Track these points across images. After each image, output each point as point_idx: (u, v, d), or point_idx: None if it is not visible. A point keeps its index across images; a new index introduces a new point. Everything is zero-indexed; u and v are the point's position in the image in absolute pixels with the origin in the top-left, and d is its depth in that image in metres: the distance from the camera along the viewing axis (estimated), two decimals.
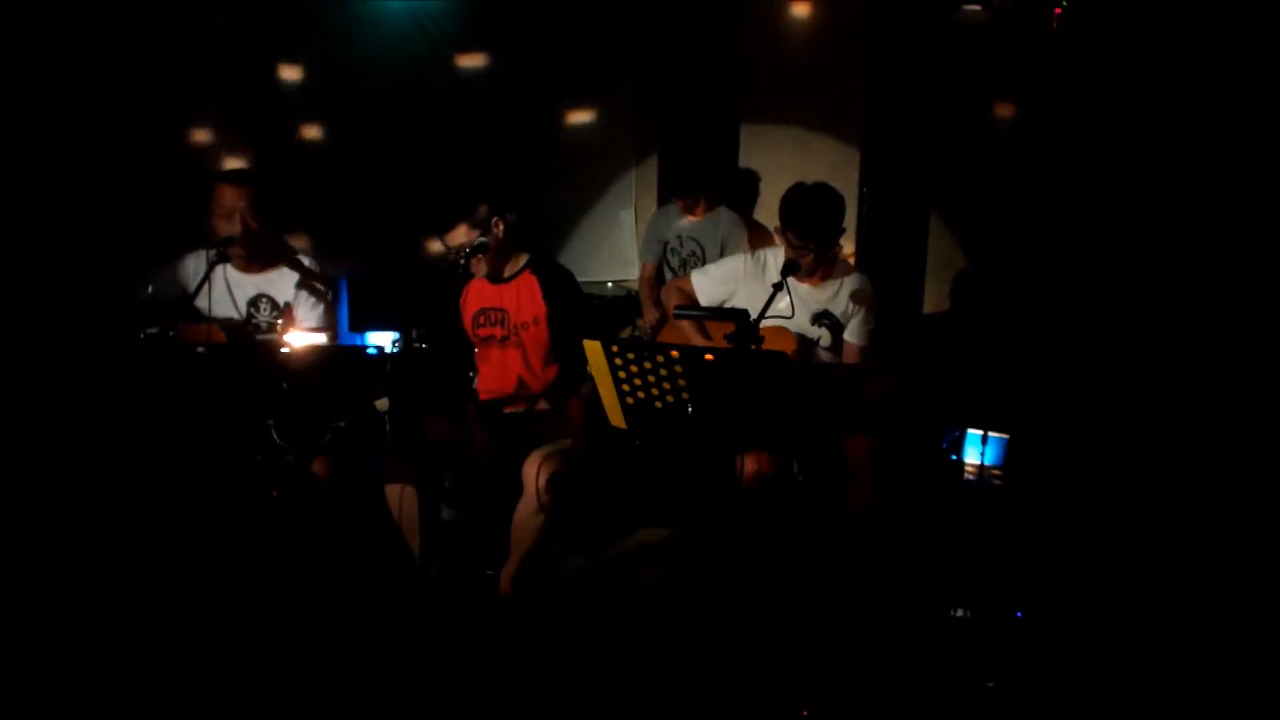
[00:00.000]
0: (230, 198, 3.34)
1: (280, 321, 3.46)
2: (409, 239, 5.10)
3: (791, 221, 3.32)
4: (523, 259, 3.47)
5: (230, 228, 3.34)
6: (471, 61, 5.32)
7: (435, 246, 3.36)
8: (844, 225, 3.41)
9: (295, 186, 4.42)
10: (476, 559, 3.49)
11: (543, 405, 3.45)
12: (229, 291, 3.44)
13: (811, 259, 3.34)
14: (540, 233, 5.56)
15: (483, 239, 3.29)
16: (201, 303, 3.27)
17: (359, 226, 5.00)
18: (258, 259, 3.45)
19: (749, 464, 3.18)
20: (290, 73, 4.88)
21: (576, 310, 3.44)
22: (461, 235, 3.30)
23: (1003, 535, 3.42)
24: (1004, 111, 4.47)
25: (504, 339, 3.46)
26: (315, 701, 2.76)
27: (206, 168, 4.60)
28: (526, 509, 3.18)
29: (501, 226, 3.35)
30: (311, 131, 4.99)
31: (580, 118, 5.65)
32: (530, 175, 5.52)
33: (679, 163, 5.26)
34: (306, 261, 3.49)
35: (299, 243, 3.92)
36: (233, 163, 4.55)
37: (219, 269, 3.38)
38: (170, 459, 3.23)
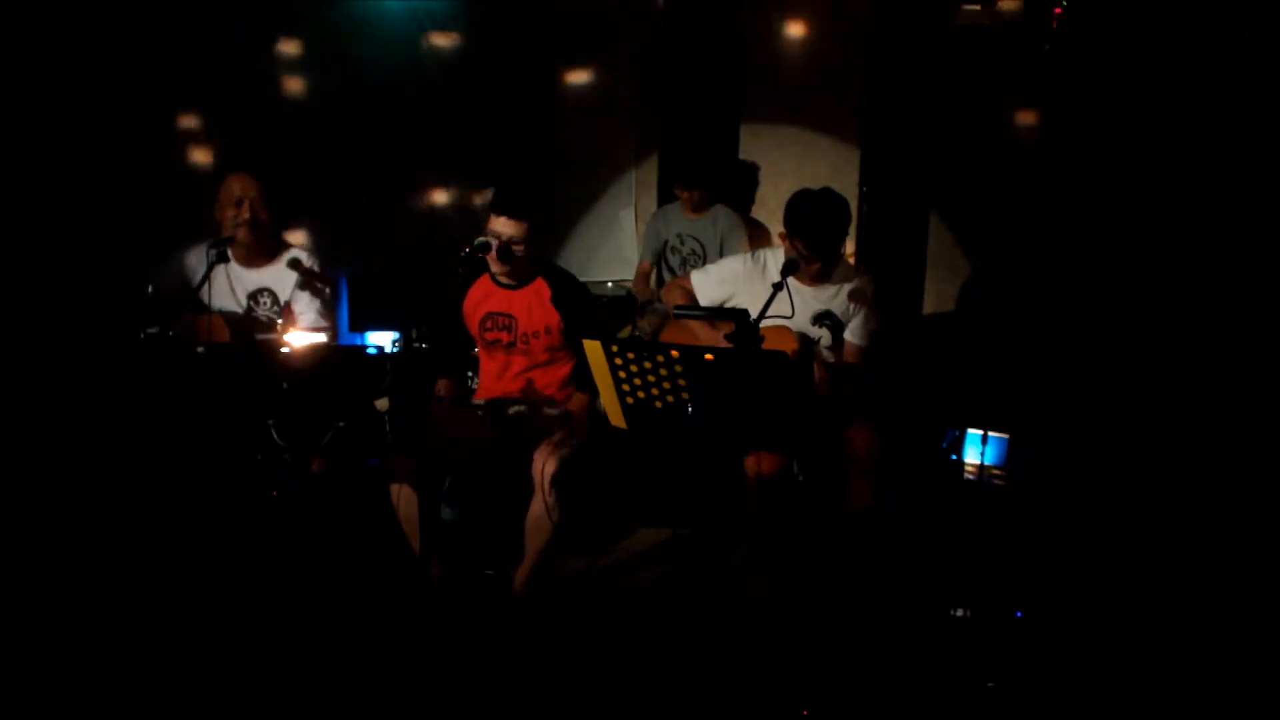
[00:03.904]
0: (239, 187, 3.40)
1: (280, 320, 3.47)
2: (409, 238, 5.11)
3: (800, 231, 3.31)
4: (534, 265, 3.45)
5: (238, 215, 3.38)
6: (470, 60, 5.32)
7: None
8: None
9: (295, 183, 4.42)
10: (477, 559, 3.49)
11: (549, 411, 3.43)
12: (230, 285, 3.48)
13: (819, 266, 3.35)
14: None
15: (483, 239, 3.26)
16: (203, 298, 3.28)
17: (359, 225, 5.00)
18: (259, 253, 3.48)
19: (749, 464, 3.19)
20: (290, 71, 4.88)
21: (589, 318, 3.42)
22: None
23: (1003, 535, 3.42)
24: (1004, 112, 4.48)
25: (510, 345, 3.44)
26: (317, 701, 2.76)
27: (203, 165, 4.61)
28: (538, 509, 3.18)
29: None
30: (311, 130, 4.99)
31: (580, 117, 5.65)
32: (530, 174, 5.52)
33: (679, 162, 5.27)
34: (305, 258, 3.50)
35: (297, 239, 3.92)
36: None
37: (220, 266, 3.40)
38: (170, 458, 3.23)
